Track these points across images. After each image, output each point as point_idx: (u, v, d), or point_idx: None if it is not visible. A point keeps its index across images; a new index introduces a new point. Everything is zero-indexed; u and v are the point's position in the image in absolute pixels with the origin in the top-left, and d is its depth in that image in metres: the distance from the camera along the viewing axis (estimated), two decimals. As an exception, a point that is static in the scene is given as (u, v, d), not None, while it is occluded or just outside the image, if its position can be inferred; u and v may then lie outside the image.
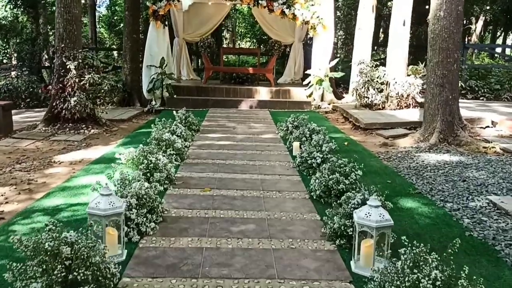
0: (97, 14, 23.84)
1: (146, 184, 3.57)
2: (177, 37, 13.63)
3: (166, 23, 10.69)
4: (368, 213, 2.74)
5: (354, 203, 3.20)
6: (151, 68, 10.52)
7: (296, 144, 5.94)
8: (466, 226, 3.58)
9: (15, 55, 15.51)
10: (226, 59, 20.72)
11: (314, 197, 4.18)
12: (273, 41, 12.43)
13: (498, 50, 19.28)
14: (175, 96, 10.63)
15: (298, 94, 11.17)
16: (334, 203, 3.64)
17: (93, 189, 3.21)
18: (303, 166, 5.15)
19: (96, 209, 2.76)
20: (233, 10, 27.03)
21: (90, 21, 19.54)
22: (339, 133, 7.77)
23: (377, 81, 9.29)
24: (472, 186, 4.54)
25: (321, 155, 5.01)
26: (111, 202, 2.79)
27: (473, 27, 22.57)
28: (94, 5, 20.04)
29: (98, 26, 23.39)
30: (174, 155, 5.26)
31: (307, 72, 11.14)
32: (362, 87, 9.32)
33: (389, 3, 15.02)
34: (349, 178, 4.01)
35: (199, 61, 18.15)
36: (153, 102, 10.62)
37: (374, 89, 9.38)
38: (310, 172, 5.01)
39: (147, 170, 4.29)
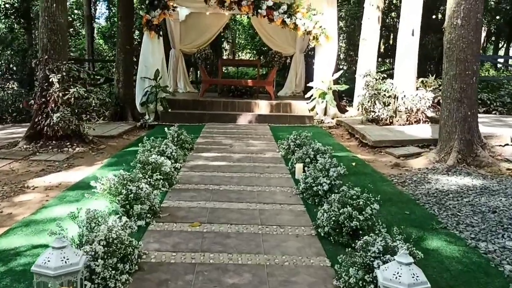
0: (96, 26, 23.45)
1: (121, 223, 2.95)
2: (174, 48, 13.14)
3: (161, 33, 10.14)
4: (398, 273, 2.11)
5: (375, 251, 2.57)
6: (145, 80, 9.96)
7: (299, 167, 5.32)
8: (508, 275, 2.95)
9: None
10: (225, 71, 20.21)
11: (322, 234, 3.55)
12: (274, 53, 11.89)
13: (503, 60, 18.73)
14: (169, 110, 10.05)
15: (299, 107, 10.58)
16: (348, 247, 3.01)
17: (51, 234, 2.58)
18: (307, 193, 4.52)
19: (45, 267, 2.13)
20: (233, 22, 26.64)
21: (87, 33, 19.08)
22: (345, 151, 7.15)
23: (384, 95, 8.69)
24: (506, 220, 3.90)
25: (328, 181, 4.38)
26: (64, 257, 2.17)
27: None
28: (91, 16, 19.57)
29: (97, 38, 22.94)
30: (161, 181, 4.63)
31: (309, 84, 10.57)
32: (369, 101, 8.72)
33: (392, 13, 14.50)
34: (363, 212, 3.38)
35: (197, 73, 17.61)
36: (147, 117, 10.04)
37: (381, 103, 8.77)
38: (316, 200, 4.39)
39: (126, 202, 3.67)
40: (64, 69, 7.04)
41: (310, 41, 14.03)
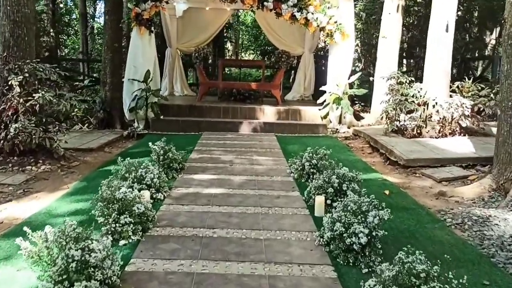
0: (96, 25, 22.22)
1: None
2: (170, 47, 11.86)
3: (153, 29, 8.84)
4: None
5: None
6: (133, 83, 8.66)
7: (319, 201, 4.01)
8: None
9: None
10: (228, 72, 18.89)
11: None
12: (280, 52, 10.56)
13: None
14: (161, 117, 8.75)
15: (310, 114, 9.26)
16: None
17: None
18: (336, 245, 3.21)
19: None
20: (236, 21, 25.38)
21: (81, 31, 17.80)
22: (370, 172, 5.83)
23: (412, 101, 7.37)
24: None
25: (366, 231, 3.07)
26: None
27: (487, 38, 20.68)
28: (86, 14, 18.28)
29: (97, 38, 21.59)
30: (132, 225, 3.33)
31: (322, 88, 9.25)
32: (394, 108, 7.39)
33: (414, 7, 13.17)
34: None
35: (197, 75, 16.29)
36: (135, 124, 8.75)
37: (406, 111, 7.46)
38: (350, 259, 3.07)
39: (63, 277, 2.36)
40: (27, 70, 5.75)
41: (323, 39, 12.86)
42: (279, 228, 3.68)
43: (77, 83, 10.81)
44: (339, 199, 4.12)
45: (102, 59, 9.65)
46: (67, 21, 20.66)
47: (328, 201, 4.13)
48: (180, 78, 12.07)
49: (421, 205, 4.43)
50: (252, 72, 19.94)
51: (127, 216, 3.32)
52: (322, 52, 14.03)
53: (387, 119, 7.57)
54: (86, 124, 9.30)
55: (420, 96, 7.42)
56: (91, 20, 21.96)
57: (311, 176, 5.16)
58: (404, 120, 7.71)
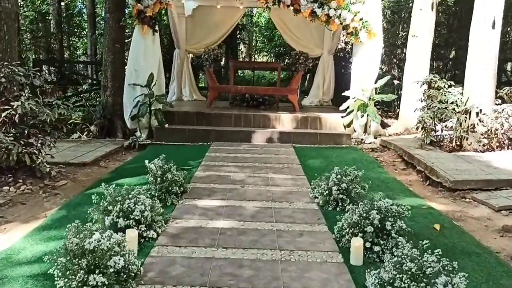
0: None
1: None
2: (178, 49, 11.03)
3: (157, 27, 7.98)
4: None
5: None
6: (135, 87, 7.81)
7: (357, 245, 3.06)
8: None
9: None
10: (241, 74, 18.00)
11: None
12: (298, 53, 9.63)
13: None
14: (166, 125, 7.87)
15: (332, 122, 8.30)
16: None
17: None
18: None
19: None
20: (250, 23, 24.53)
21: (89, 33, 17.09)
22: (409, 195, 4.86)
23: (453, 109, 6.37)
24: None
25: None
26: None
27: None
28: (94, 14, 17.55)
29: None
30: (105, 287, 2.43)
31: (346, 93, 8.28)
32: (432, 118, 6.40)
33: (445, 3, 12.13)
34: None
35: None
36: (138, 134, 7.90)
37: (447, 120, 6.47)
38: None
39: None
40: (3, 74, 4.91)
41: (344, 39, 11.91)
42: (305, 285, 2.74)
43: (83, 87, 9.97)
44: (380, 241, 3.19)
45: (102, 62, 8.83)
46: (78, 22, 20.06)
47: (367, 244, 3.18)
48: (189, 81, 11.23)
49: (485, 248, 3.45)
50: (266, 74, 19.03)
51: (100, 274, 2.42)
52: (342, 53, 13.06)
53: (423, 129, 6.57)
54: (86, 132, 8.50)
55: (462, 103, 6.42)
56: (101, 21, 21.30)
57: (340, 204, 4.23)
58: (442, 130, 6.73)
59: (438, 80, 6.80)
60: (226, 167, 5.87)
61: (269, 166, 6.00)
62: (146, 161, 4.53)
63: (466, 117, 6.39)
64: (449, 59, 12.22)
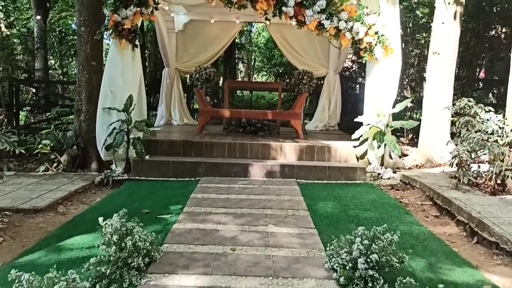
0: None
1: None
2: (168, 67, 9.95)
3: (137, 42, 6.82)
4: None
5: None
6: (111, 112, 6.62)
7: None
8: None
9: None
10: (240, 94, 16.86)
11: None
12: (301, 73, 8.49)
13: None
14: (147, 157, 6.64)
15: (342, 152, 7.08)
16: None
17: None
18: None
19: None
20: (249, 42, 23.58)
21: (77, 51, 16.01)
22: (459, 264, 3.58)
23: (495, 141, 5.16)
24: None
25: None
26: None
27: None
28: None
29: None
30: None
31: (358, 119, 7.09)
32: (470, 152, 5.17)
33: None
34: None
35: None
36: (113, 167, 6.68)
37: (488, 153, 5.25)
38: None
39: None
40: None
41: (351, 57, 10.85)
42: None
43: (52, 111, 8.76)
44: None
45: (76, 82, 7.65)
46: (73, 42, 18.94)
47: None
48: (179, 103, 10.09)
49: None
50: (265, 94, 17.92)
51: None
52: (347, 72, 11.95)
53: (459, 166, 5.33)
54: (56, 164, 7.28)
55: (505, 133, 5.21)
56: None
57: (369, 284, 2.97)
58: (478, 166, 5.51)
59: (474, 105, 5.59)
60: (214, 216, 4.61)
61: (269, 213, 4.75)
62: (100, 219, 3.27)
63: (511, 151, 5.17)
64: (471, 78, 11.06)
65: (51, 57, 16.93)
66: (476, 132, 5.35)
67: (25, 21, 16.91)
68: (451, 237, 4.31)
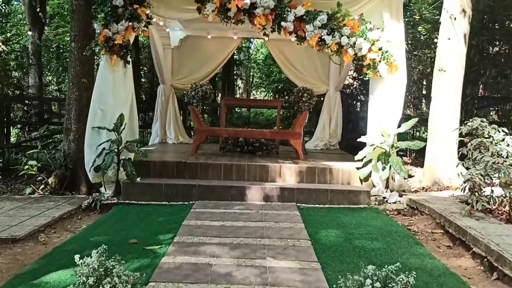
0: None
1: None
2: (163, 84, 9.64)
3: (129, 58, 6.50)
4: None
5: None
6: (100, 132, 6.26)
7: None
8: None
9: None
10: (238, 110, 16.50)
11: None
12: (301, 90, 8.18)
13: None
14: (138, 179, 6.26)
15: (345, 174, 6.71)
16: None
17: None
18: None
19: None
20: (248, 59, 23.40)
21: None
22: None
23: (511, 166, 4.80)
24: None
25: None
26: None
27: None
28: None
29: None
30: None
31: (362, 139, 6.74)
32: (483, 176, 4.80)
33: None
34: None
35: (203, 117, 13.77)
36: (102, 189, 6.30)
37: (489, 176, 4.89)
38: None
39: None
40: None
41: (351, 74, 10.58)
42: None
43: (40, 130, 8.40)
44: None
45: (66, 99, 7.32)
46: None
47: None
48: (174, 121, 9.75)
49: None
50: (264, 110, 17.58)
51: None
52: (348, 90, 11.66)
53: (472, 191, 4.96)
54: (43, 185, 6.90)
55: (522, 156, 4.86)
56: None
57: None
58: (492, 191, 5.14)
59: (487, 126, 5.25)
60: (208, 246, 4.22)
61: (268, 243, 4.36)
62: (76, 257, 2.88)
63: (527, 175, 4.81)
64: (470, 97, 10.75)
65: (48, 74, 16.70)
66: (491, 155, 4.98)
67: (20, 37, 16.70)
68: (468, 271, 3.92)
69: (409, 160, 9.83)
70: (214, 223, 5.00)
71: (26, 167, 6.86)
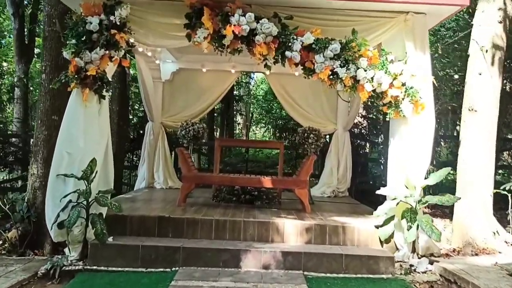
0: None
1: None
2: (151, 121, 8.61)
3: (105, 92, 5.47)
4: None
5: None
6: (66, 180, 5.16)
7: None
8: None
9: None
10: (238, 150, 15.37)
11: None
12: (307, 130, 7.15)
13: None
14: (110, 239, 5.12)
15: (361, 234, 5.54)
16: None
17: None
18: None
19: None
20: (247, 94, 22.64)
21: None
22: None
23: None
24: None
25: None
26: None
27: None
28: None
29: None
30: None
31: (381, 192, 5.61)
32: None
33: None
34: None
35: (199, 158, 12.65)
36: (66, 251, 5.15)
37: None
38: None
39: None
40: None
41: (360, 112, 9.60)
42: None
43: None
44: None
45: (33, 140, 6.26)
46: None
47: None
48: (163, 163, 8.67)
49: None
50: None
51: None
52: (357, 129, 10.64)
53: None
54: (1, 242, 5.79)
55: None
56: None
57: None
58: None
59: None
60: None
61: None
62: None
63: None
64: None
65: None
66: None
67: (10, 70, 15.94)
68: None
69: (428, 211, 8.68)
70: (199, 306, 3.83)
71: (-20, 220, 5.74)
